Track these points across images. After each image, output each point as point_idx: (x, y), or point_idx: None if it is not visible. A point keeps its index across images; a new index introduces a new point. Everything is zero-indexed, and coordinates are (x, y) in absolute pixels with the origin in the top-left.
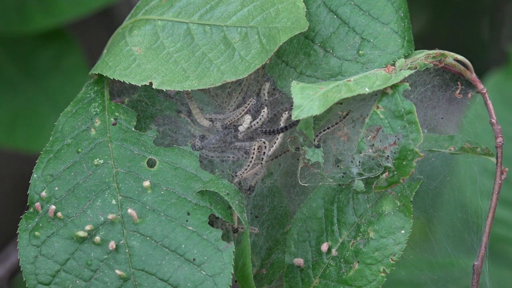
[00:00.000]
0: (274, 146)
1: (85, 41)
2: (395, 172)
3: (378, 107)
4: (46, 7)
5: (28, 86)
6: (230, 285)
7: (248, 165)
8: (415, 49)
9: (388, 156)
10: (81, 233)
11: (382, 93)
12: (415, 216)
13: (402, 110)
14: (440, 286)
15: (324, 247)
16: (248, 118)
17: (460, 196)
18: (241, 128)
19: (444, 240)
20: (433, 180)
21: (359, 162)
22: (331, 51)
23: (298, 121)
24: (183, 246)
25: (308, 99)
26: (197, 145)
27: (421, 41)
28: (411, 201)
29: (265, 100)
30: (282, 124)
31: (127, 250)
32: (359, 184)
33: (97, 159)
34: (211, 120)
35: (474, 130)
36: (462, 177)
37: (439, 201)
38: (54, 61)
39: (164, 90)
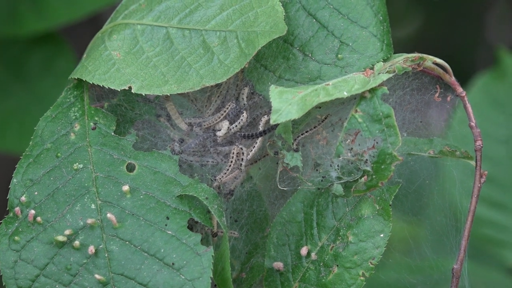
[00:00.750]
0: (253, 150)
1: (75, 45)
2: (374, 176)
3: (356, 111)
4: (38, 10)
5: (19, 88)
6: None
7: (227, 169)
8: (405, 52)
9: (366, 160)
10: (61, 238)
11: (361, 97)
12: (394, 219)
13: (381, 114)
14: None
15: (304, 251)
16: (226, 123)
17: (439, 199)
18: (218, 134)
19: (423, 243)
20: (412, 184)
21: (338, 166)
22: (310, 55)
23: (277, 125)
24: (162, 250)
25: (286, 103)
26: (176, 149)
27: (414, 44)
28: (390, 205)
29: (244, 104)
30: (261, 128)
31: (106, 255)
32: (338, 188)
33: (77, 163)
34: (190, 124)
35: (462, 131)
36: (441, 180)
37: (418, 205)
38: (45, 64)
39: (143, 95)
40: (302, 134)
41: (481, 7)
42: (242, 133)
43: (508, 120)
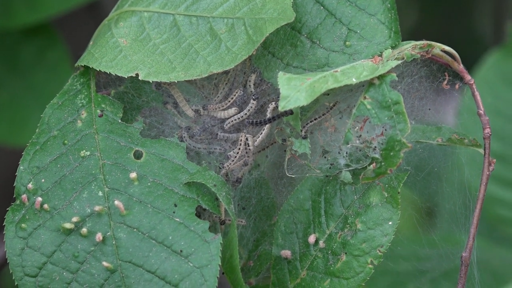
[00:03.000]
0: (261, 137)
1: (73, 35)
2: (383, 163)
3: (365, 98)
4: (30, 2)
5: (11, 80)
6: (217, 277)
7: (235, 157)
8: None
9: (375, 147)
10: (68, 225)
11: (369, 83)
12: (402, 207)
13: (389, 100)
14: (428, 277)
15: (312, 239)
16: (233, 110)
17: (448, 187)
18: (226, 121)
19: (432, 231)
20: (421, 171)
21: (346, 153)
22: (317, 42)
23: (285, 112)
24: (170, 237)
25: (295, 90)
26: (184, 136)
27: (412, 36)
28: (398, 192)
29: (251, 91)
30: (268, 114)
31: (114, 242)
32: (346, 175)
33: (84, 150)
34: (197, 111)
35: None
36: (450, 168)
37: (426, 192)
38: (38, 56)
39: (151, 82)
40: (310, 121)
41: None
42: (250, 120)
43: None
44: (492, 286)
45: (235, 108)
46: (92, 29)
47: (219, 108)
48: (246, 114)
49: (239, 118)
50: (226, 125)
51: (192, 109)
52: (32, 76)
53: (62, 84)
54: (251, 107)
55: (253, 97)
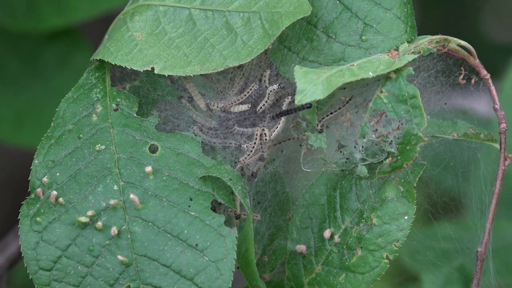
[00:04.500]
0: (276, 131)
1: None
2: (399, 157)
3: (381, 92)
4: (57, 5)
5: (34, 83)
6: (233, 271)
7: (251, 151)
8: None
9: (391, 141)
10: (83, 219)
11: (386, 77)
12: (418, 202)
13: (406, 94)
14: (444, 272)
15: (327, 233)
16: (246, 106)
17: (463, 182)
18: (259, 105)
19: (448, 226)
20: (437, 166)
21: (362, 147)
22: (333, 37)
23: (303, 105)
24: (185, 231)
25: (311, 84)
26: (196, 133)
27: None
28: (414, 187)
29: (266, 86)
30: (284, 108)
31: (129, 236)
32: (362, 170)
33: (99, 144)
34: (208, 107)
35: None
36: (466, 163)
37: (442, 187)
38: (62, 59)
39: (167, 76)
40: (326, 116)
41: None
42: (269, 114)
43: None
44: None
45: (247, 104)
46: None
47: (235, 102)
48: (261, 107)
49: (265, 103)
50: (259, 109)
51: (207, 103)
52: (55, 79)
53: None
54: (274, 90)
55: (279, 85)
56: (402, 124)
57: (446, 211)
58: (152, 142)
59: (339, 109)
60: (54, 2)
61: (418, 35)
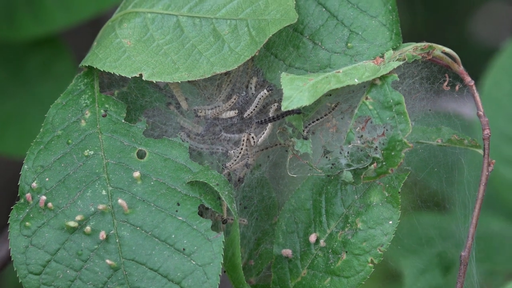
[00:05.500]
0: (263, 136)
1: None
2: (384, 163)
3: (367, 98)
4: (35, 15)
5: (18, 91)
6: (219, 275)
7: (237, 156)
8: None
9: (376, 147)
10: (72, 224)
11: (371, 84)
12: (402, 207)
13: (391, 101)
14: (428, 277)
15: (312, 238)
16: (233, 112)
17: (447, 187)
18: (228, 114)
19: (432, 230)
20: (421, 172)
21: (348, 153)
22: (320, 44)
23: (292, 110)
24: (173, 236)
25: (297, 90)
26: (183, 139)
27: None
28: (399, 192)
29: (252, 94)
30: (271, 114)
31: (117, 240)
32: (347, 175)
33: (88, 150)
34: (196, 110)
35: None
36: (450, 168)
37: (426, 192)
38: (45, 67)
39: (154, 82)
40: (312, 122)
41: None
42: (255, 120)
43: None
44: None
45: (234, 111)
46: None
47: (224, 109)
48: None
49: (255, 108)
50: (247, 115)
51: (194, 110)
52: (38, 87)
53: None
54: (262, 97)
55: (268, 88)
56: (387, 130)
57: (430, 216)
58: (140, 148)
59: (325, 115)
60: (31, 11)
61: (407, 40)
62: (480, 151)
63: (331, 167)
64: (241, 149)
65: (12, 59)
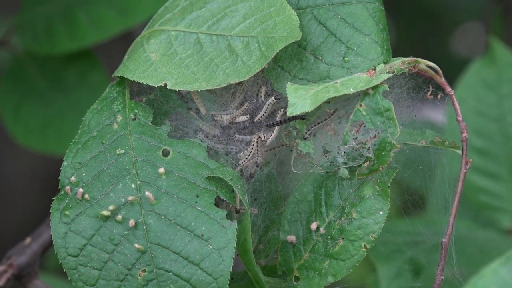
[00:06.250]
0: (271, 138)
1: (110, 60)
2: (375, 161)
3: (361, 105)
4: (70, 32)
5: (58, 98)
6: (233, 258)
7: (249, 155)
8: (404, 55)
9: (369, 147)
10: (105, 213)
11: (364, 93)
12: (392, 199)
13: (382, 108)
14: (400, 280)
15: (313, 226)
16: (245, 117)
17: (430, 182)
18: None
19: (417, 220)
20: (408, 169)
21: (344, 152)
22: (320, 58)
23: (292, 116)
24: (193, 223)
25: (301, 98)
26: (202, 139)
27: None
28: (388, 187)
29: (262, 101)
30: (278, 118)
31: (144, 227)
32: (344, 172)
33: (119, 149)
34: (215, 117)
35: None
36: (433, 166)
37: (413, 187)
38: (80, 77)
39: (177, 90)
40: (314, 126)
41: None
42: (264, 124)
43: (499, 100)
44: (478, 256)
45: (246, 116)
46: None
47: (237, 114)
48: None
49: (264, 114)
50: (257, 119)
51: (212, 115)
52: (74, 94)
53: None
54: (270, 103)
55: (276, 96)
56: (378, 133)
57: (415, 207)
58: (164, 147)
59: (324, 120)
60: (67, 29)
61: (393, 56)
62: (459, 151)
63: (330, 165)
64: (252, 149)
65: (53, 70)
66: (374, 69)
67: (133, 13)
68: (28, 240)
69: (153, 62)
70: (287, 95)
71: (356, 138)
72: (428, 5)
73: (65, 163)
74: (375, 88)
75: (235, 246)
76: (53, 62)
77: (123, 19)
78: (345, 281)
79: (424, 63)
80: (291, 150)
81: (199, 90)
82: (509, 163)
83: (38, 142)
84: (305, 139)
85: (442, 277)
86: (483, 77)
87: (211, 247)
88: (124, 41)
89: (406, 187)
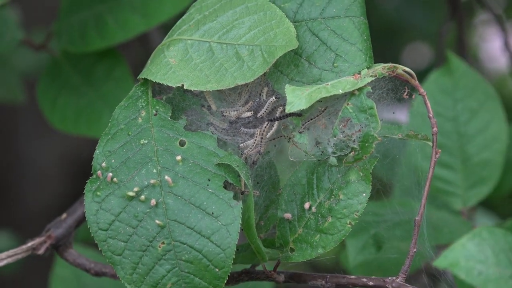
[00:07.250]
0: (271, 131)
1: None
2: (360, 151)
3: (348, 104)
4: (100, 34)
5: (88, 91)
6: (238, 232)
7: (253, 145)
8: (374, 63)
9: (354, 139)
10: (131, 193)
11: (351, 94)
12: (373, 183)
13: (366, 106)
14: (365, 252)
15: (306, 205)
16: (249, 113)
17: (406, 169)
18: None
19: (394, 201)
20: (387, 158)
21: (334, 144)
22: (313, 63)
23: (290, 113)
24: (205, 203)
25: (297, 97)
26: (212, 131)
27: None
28: (370, 173)
29: (264, 100)
30: (278, 114)
31: (164, 206)
32: (333, 160)
33: (143, 139)
34: (224, 113)
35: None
36: (407, 155)
37: (391, 173)
38: (107, 72)
39: (192, 90)
40: (308, 121)
41: (398, 45)
42: (267, 118)
43: (454, 104)
44: (432, 233)
45: (250, 112)
46: (143, 52)
47: (243, 111)
48: (265, 112)
49: (266, 110)
50: (260, 115)
51: (221, 112)
52: (102, 87)
53: (125, 94)
54: (271, 102)
55: (276, 95)
56: (362, 127)
57: (393, 190)
58: (181, 138)
59: (317, 116)
60: (98, 31)
61: (374, 62)
62: (430, 143)
63: (321, 154)
64: (255, 140)
65: (84, 67)
66: (359, 73)
67: (154, 16)
68: (64, 215)
69: (172, 66)
70: (286, 95)
71: (344, 131)
72: (385, 21)
73: (97, 151)
74: (360, 89)
75: (240, 222)
76: (84, 60)
77: (145, 21)
78: (324, 255)
79: (401, 68)
80: (288, 141)
81: (211, 90)
82: (461, 155)
83: (72, 127)
84: (300, 132)
85: (415, 249)
86: (441, 84)
87: (220, 223)
88: (142, 40)
89: (385, 173)
